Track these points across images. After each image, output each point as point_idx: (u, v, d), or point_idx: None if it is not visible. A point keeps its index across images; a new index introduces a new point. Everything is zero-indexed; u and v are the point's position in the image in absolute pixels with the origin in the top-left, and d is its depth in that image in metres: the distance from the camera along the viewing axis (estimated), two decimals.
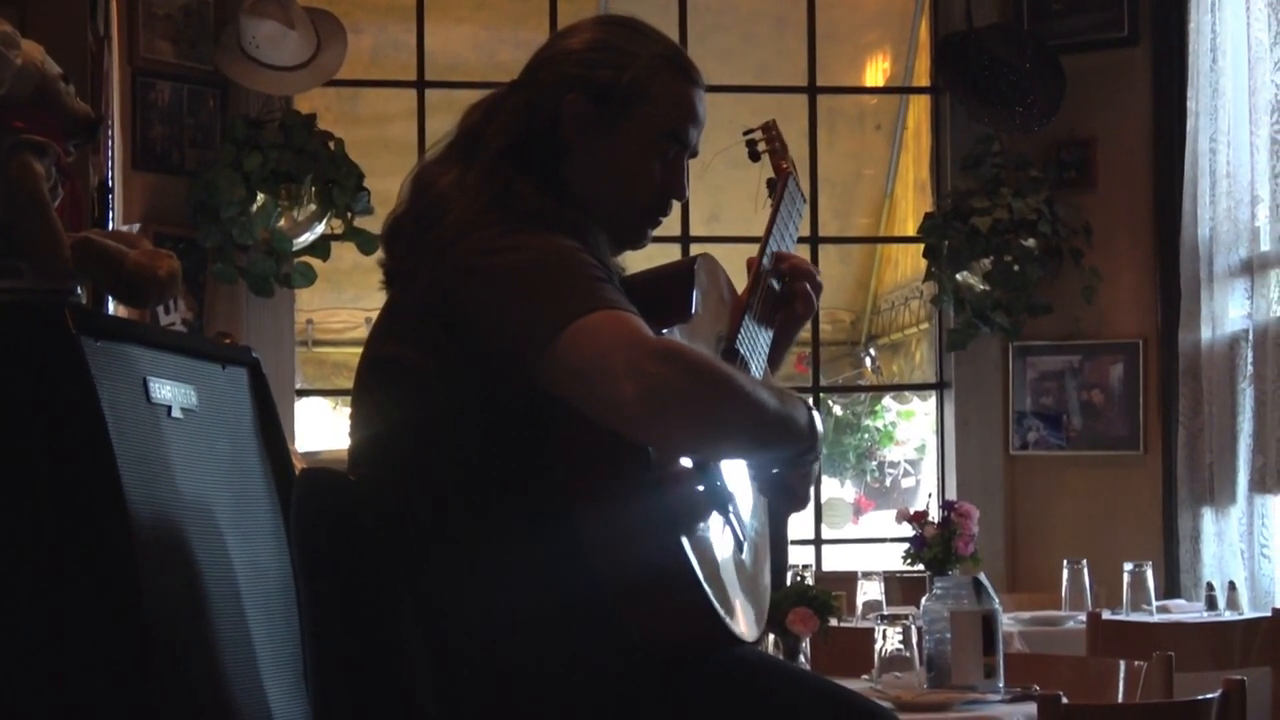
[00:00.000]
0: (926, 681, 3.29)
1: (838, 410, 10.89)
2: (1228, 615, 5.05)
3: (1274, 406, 5.71)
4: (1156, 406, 6.35)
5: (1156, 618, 4.97)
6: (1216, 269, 5.98)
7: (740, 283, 2.58)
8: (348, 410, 2.44)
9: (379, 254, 2.42)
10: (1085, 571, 5.22)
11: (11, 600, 2.41)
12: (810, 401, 2.32)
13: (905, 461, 11.25)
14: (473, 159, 2.36)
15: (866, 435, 11.31)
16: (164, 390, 2.63)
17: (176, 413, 2.66)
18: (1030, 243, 6.29)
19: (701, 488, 2.26)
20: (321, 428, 8.65)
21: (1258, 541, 5.82)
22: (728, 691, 2.25)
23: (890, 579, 5.27)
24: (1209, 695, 3.10)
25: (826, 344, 8.37)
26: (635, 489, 2.16)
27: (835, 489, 10.90)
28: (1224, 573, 5.79)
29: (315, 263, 6.13)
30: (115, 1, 5.55)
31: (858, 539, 9.27)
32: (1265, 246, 5.90)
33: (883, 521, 9.39)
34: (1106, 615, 4.81)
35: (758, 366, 2.49)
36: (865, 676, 3.42)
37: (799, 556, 6.65)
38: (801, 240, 6.50)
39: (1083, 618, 4.79)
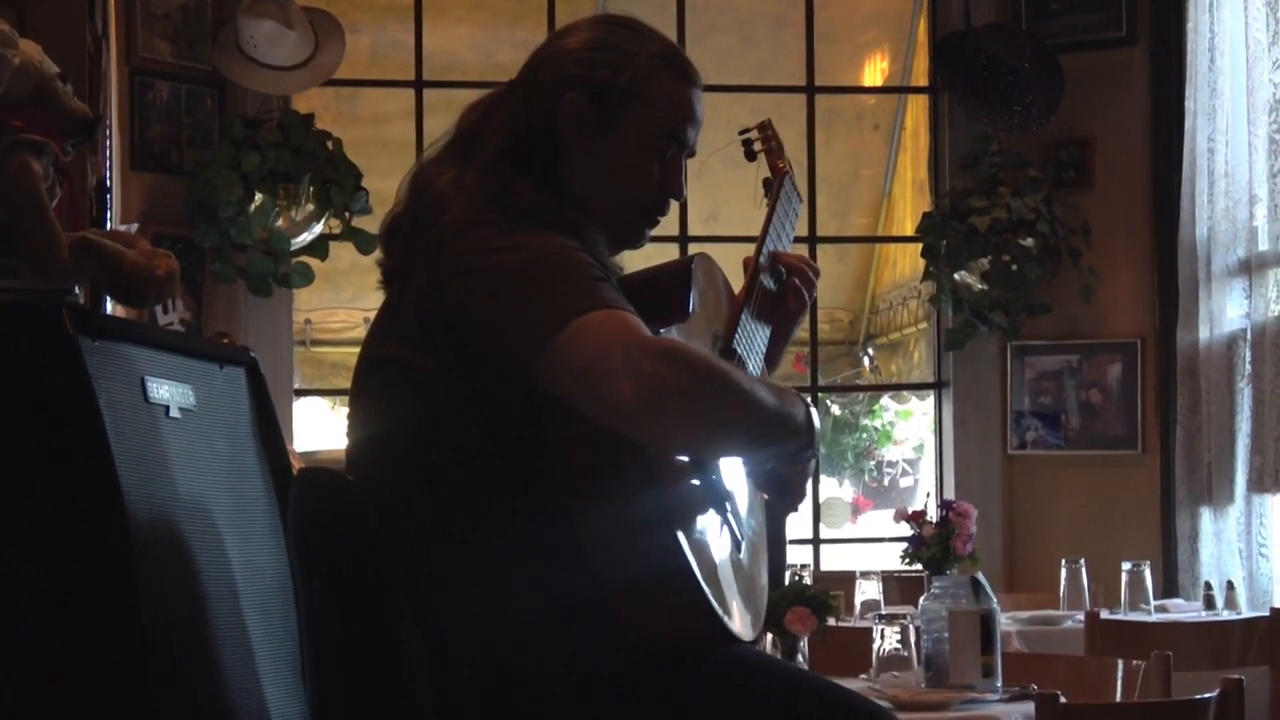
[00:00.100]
0: (924, 681, 3.29)
1: (836, 410, 10.89)
2: (1226, 615, 5.05)
3: (1272, 406, 5.71)
4: (1155, 406, 6.35)
5: (1154, 617, 4.97)
6: (1215, 268, 5.98)
7: (737, 282, 2.58)
8: (346, 410, 2.44)
9: (377, 254, 2.42)
10: (1083, 571, 5.22)
11: (10, 600, 2.41)
12: (808, 399, 2.32)
13: (903, 461, 11.25)
14: (471, 158, 2.36)
15: (865, 435, 11.31)
16: (162, 390, 2.63)
17: (174, 412, 2.66)
18: (1028, 242, 6.29)
19: (700, 487, 2.26)
20: (320, 427, 8.65)
21: (1256, 541, 5.82)
22: (726, 691, 2.25)
23: (888, 578, 5.28)
24: (1207, 694, 3.10)
25: (825, 343, 8.37)
26: (633, 488, 2.16)
27: (833, 488, 10.90)
28: (1222, 572, 5.79)
29: (313, 262, 6.12)
30: (113, 1, 5.55)
31: (856, 538, 9.27)
32: (1263, 246, 5.89)
33: (881, 521, 9.39)
34: (1104, 615, 4.81)
35: (755, 365, 2.50)
36: (863, 676, 3.42)
37: (797, 556, 6.65)
38: (799, 240, 6.51)
39: (1081, 617, 4.79)
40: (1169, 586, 6.05)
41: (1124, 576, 5.10)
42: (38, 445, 2.43)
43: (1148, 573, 5.10)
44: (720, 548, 2.27)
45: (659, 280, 2.43)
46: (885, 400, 10.95)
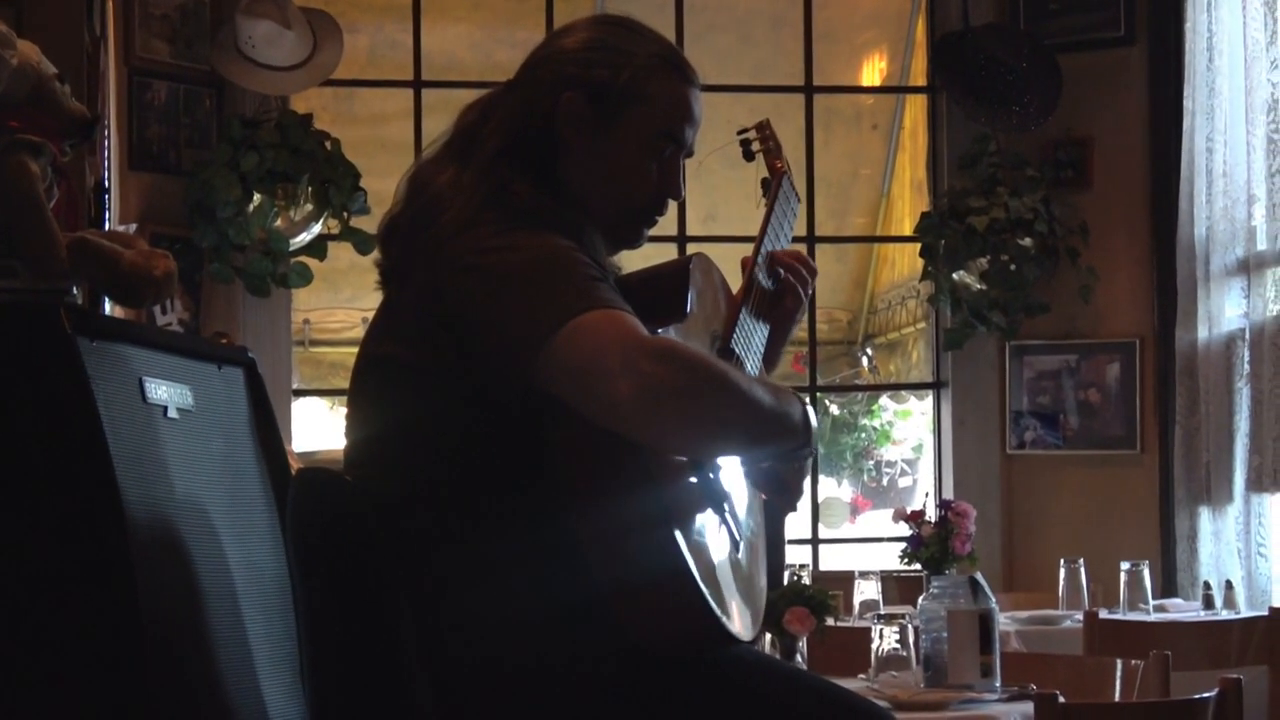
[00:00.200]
0: (923, 681, 3.29)
1: (835, 409, 10.89)
2: (1224, 614, 5.05)
3: (1270, 405, 5.71)
4: (1153, 406, 6.35)
5: (1153, 617, 4.97)
6: (1213, 268, 5.98)
7: (735, 282, 2.58)
8: (344, 410, 2.44)
9: (375, 254, 2.42)
10: (1082, 571, 5.22)
11: (9, 600, 2.41)
12: (807, 399, 2.32)
13: (902, 461, 11.25)
14: (469, 158, 2.36)
15: (863, 435, 11.31)
16: (160, 390, 2.63)
17: (173, 413, 2.65)
18: (1027, 242, 6.29)
19: (697, 486, 2.26)
20: (318, 427, 8.65)
21: (1254, 540, 5.82)
22: (725, 691, 2.25)
23: (887, 578, 5.28)
24: (1206, 694, 3.10)
25: (823, 343, 8.37)
26: (632, 488, 2.16)
27: (832, 488, 10.90)
28: (1221, 572, 5.79)
29: (312, 262, 6.12)
30: (111, 1, 5.55)
31: (854, 538, 9.27)
32: (1261, 246, 5.89)
33: (880, 521, 9.38)
34: (1103, 614, 4.81)
35: (753, 365, 2.50)
36: (862, 676, 3.41)
37: (796, 556, 6.65)
38: (798, 239, 6.50)
39: (1080, 617, 4.79)
40: (1168, 586, 6.05)
41: (1123, 576, 5.10)
42: (36, 446, 2.43)
43: (1146, 572, 5.10)
44: (719, 548, 2.27)
45: (657, 280, 2.43)
46: (884, 400, 10.95)
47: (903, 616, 3.45)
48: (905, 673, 3.33)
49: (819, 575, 5.67)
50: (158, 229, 5.80)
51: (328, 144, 6.03)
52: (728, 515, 2.32)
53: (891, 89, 8.51)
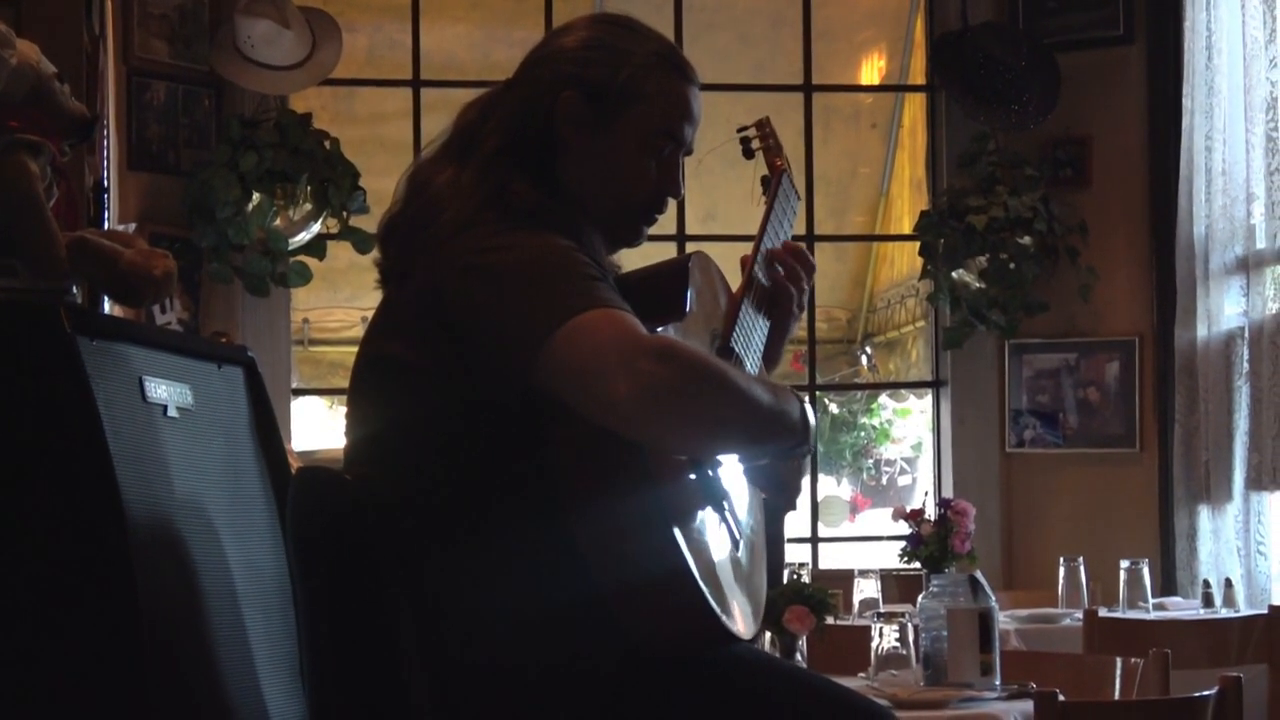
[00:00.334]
0: (923, 679, 3.29)
1: (834, 408, 10.90)
2: (1224, 613, 5.05)
3: (1270, 404, 5.72)
4: (1153, 404, 6.35)
5: (1153, 615, 4.97)
6: (1212, 267, 5.99)
7: (735, 281, 2.58)
8: (344, 409, 2.44)
9: (375, 253, 2.42)
10: (1081, 569, 5.22)
11: (8, 599, 2.41)
12: (805, 397, 2.32)
13: (901, 459, 11.25)
14: (468, 158, 2.36)
15: (863, 433, 11.32)
16: (160, 389, 2.63)
17: (172, 412, 2.66)
18: (1026, 241, 6.29)
19: (697, 485, 2.26)
20: (318, 427, 8.65)
21: (1254, 539, 5.83)
22: (725, 690, 2.25)
23: (887, 577, 5.27)
24: (1205, 692, 3.10)
25: (822, 342, 8.37)
26: (631, 487, 2.16)
27: (832, 487, 10.91)
28: (1220, 570, 5.79)
29: (311, 262, 6.12)
30: (110, 1, 5.55)
31: (854, 537, 9.27)
32: (1261, 244, 5.90)
33: (879, 519, 9.39)
34: (1103, 613, 4.81)
35: (753, 363, 2.50)
36: (862, 674, 3.41)
37: (795, 554, 6.65)
38: (797, 238, 6.49)
39: (1079, 615, 4.79)
40: (1167, 584, 6.05)
41: (1122, 575, 5.10)
42: (35, 445, 2.43)
43: (1146, 571, 5.10)
44: (718, 546, 2.27)
45: (656, 279, 2.43)
46: (883, 399, 10.96)
47: (902, 615, 3.45)
48: (905, 671, 3.33)
49: (818, 574, 5.67)
50: (157, 229, 5.80)
51: (327, 143, 6.03)
52: (727, 514, 2.32)
53: (890, 88, 8.51)
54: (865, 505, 10.75)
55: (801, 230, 6.74)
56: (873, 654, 3.38)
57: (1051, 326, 6.51)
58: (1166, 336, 6.21)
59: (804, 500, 2.61)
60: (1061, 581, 5.24)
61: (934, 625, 3.30)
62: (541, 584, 2.20)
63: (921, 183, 7.28)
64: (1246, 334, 5.87)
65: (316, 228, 6.03)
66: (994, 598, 3.34)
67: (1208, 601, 5.20)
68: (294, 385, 6.70)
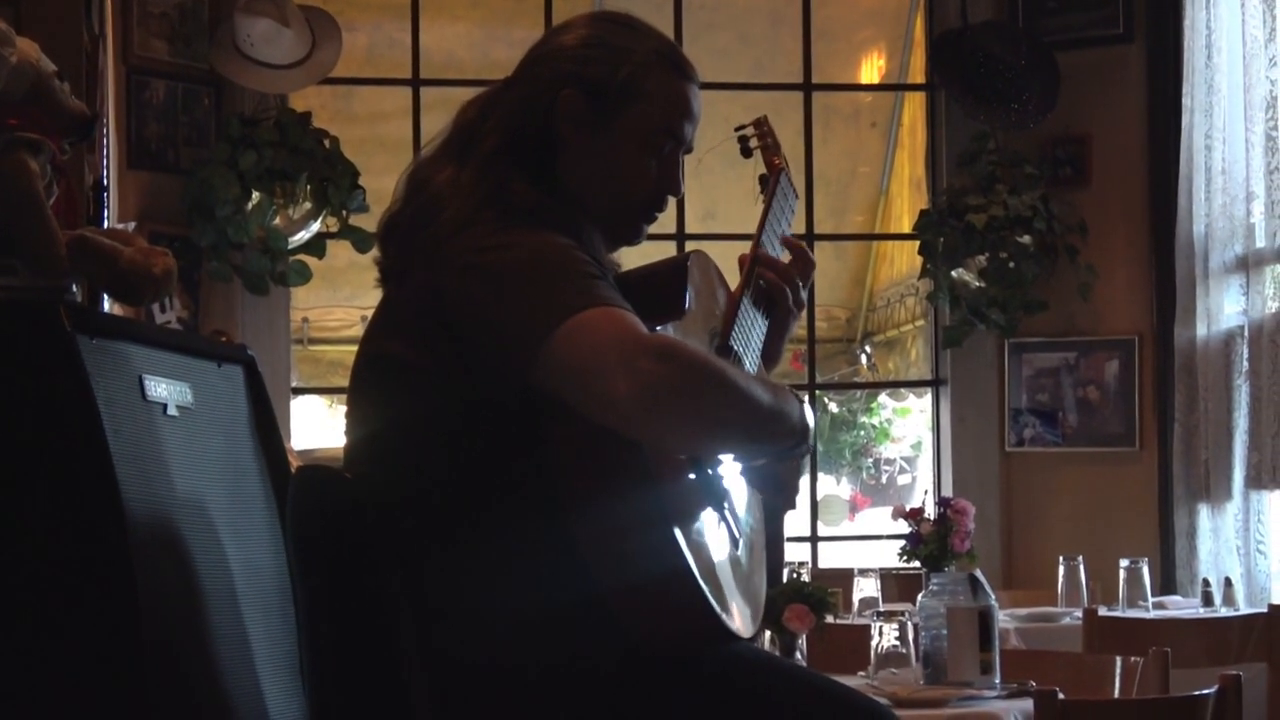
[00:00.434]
0: (923, 678, 3.30)
1: (833, 407, 10.91)
2: (1224, 611, 5.05)
3: (1269, 403, 5.72)
4: (1152, 403, 6.35)
5: (1153, 614, 4.97)
6: (1212, 265, 5.99)
7: (734, 280, 2.58)
8: (344, 408, 2.44)
9: (375, 252, 2.42)
10: (1081, 568, 5.22)
11: (7, 598, 2.41)
12: (805, 396, 2.32)
13: (901, 458, 11.26)
14: (468, 156, 2.36)
15: (862, 432, 11.33)
16: (159, 388, 2.63)
17: (172, 410, 2.65)
18: (1026, 239, 6.29)
19: (696, 484, 2.26)
20: (317, 426, 8.66)
21: (1254, 538, 5.83)
22: (726, 690, 2.25)
23: (886, 576, 5.27)
24: (1205, 691, 3.10)
25: (822, 341, 8.37)
26: (631, 486, 2.16)
27: (831, 486, 10.92)
28: (1220, 569, 5.80)
29: (310, 261, 6.12)
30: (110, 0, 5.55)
31: (854, 536, 9.28)
32: (1260, 243, 5.90)
33: (879, 518, 9.40)
34: (1103, 611, 4.81)
35: (751, 362, 2.50)
36: (861, 673, 3.42)
37: (795, 553, 6.65)
38: (796, 237, 6.50)
39: (1079, 614, 4.79)
40: (1167, 583, 6.05)
41: (1122, 573, 5.10)
42: (35, 443, 2.43)
43: (1145, 569, 5.10)
44: (718, 545, 2.27)
45: (655, 278, 2.43)
46: (883, 398, 10.96)
47: (902, 614, 3.45)
48: (905, 670, 3.33)
49: (818, 573, 5.67)
50: (156, 227, 5.80)
51: (326, 142, 6.04)
52: (727, 513, 2.32)
53: (890, 86, 8.51)
54: (865, 504, 10.76)
55: (801, 229, 6.73)
56: (872, 653, 3.38)
57: (1051, 325, 6.51)
58: (1166, 335, 6.21)
59: (803, 499, 2.61)
60: (1061, 580, 5.25)
61: (934, 624, 3.30)
62: (541, 583, 2.20)
63: (921, 182, 7.28)
64: (1246, 333, 5.87)
65: (316, 226, 6.04)
66: (993, 596, 3.34)
67: (1207, 600, 5.20)
68: (293, 384, 6.70)
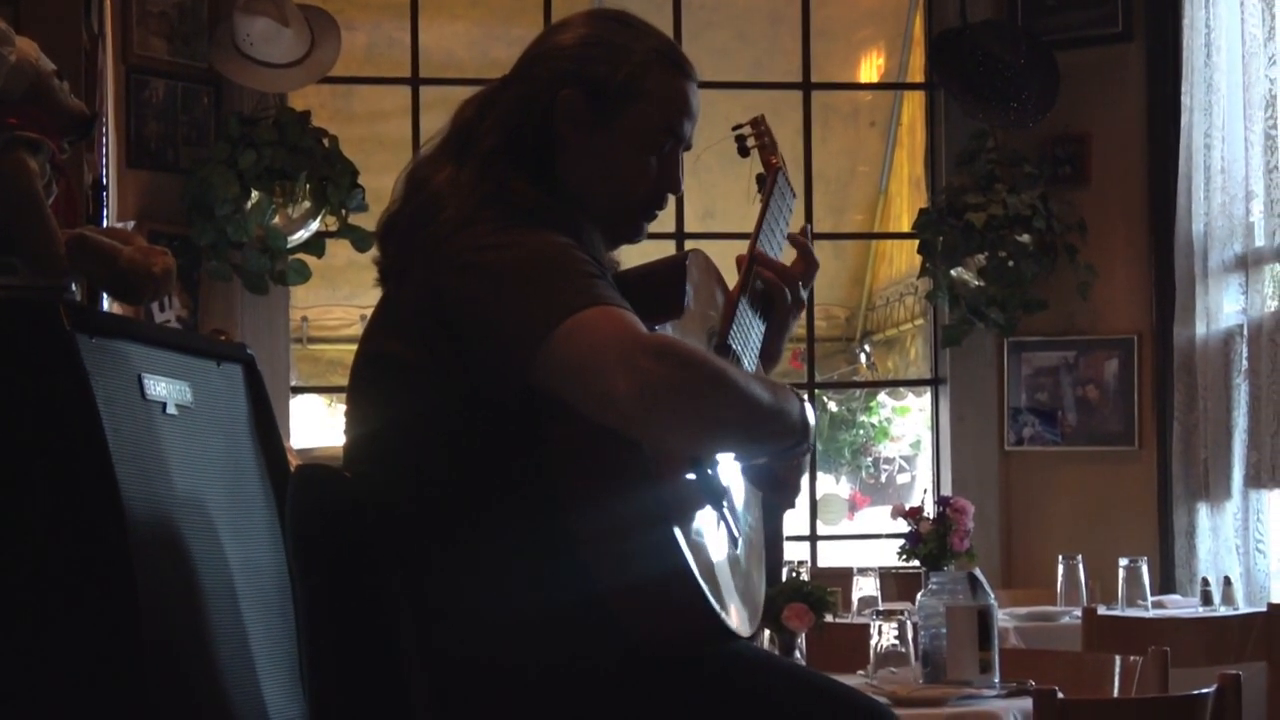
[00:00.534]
0: (922, 677, 3.30)
1: (833, 406, 10.90)
2: (1223, 610, 5.05)
3: (1269, 402, 5.72)
4: (1151, 402, 6.35)
5: (1152, 613, 4.97)
6: (1211, 264, 5.99)
7: (732, 280, 2.58)
8: (343, 407, 2.44)
9: (374, 251, 2.41)
10: (1080, 567, 5.22)
11: (7, 598, 2.41)
12: (805, 395, 2.32)
13: (900, 457, 11.26)
14: (466, 156, 2.35)
15: (861, 431, 11.32)
16: (159, 387, 2.63)
17: (171, 409, 2.66)
18: (1025, 238, 6.29)
19: (696, 484, 2.26)
20: (317, 425, 8.66)
21: (1253, 537, 5.83)
22: (725, 689, 2.25)
23: (885, 575, 5.27)
24: (1204, 690, 3.10)
25: (821, 340, 8.36)
26: (630, 485, 2.16)
27: (830, 485, 10.92)
28: (1219, 568, 5.80)
29: (310, 260, 6.12)
30: None
31: (853, 535, 9.28)
32: (1260, 242, 5.90)
33: (878, 517, 9.40)
34: (1102, 610, 4.81)
35: (750, 361, 2.50)
36: (861, 672, 3.42)
37: (794, 552, 6.65)
38: (790, 240, 6.50)
39: (1078, 613, 4.79)
40: (1166, 582, 6.05)
41: (1121, 572, 5.10)
42: (35, 443, 2.43)
43: (1145, 568, 5.10)
44: (717, 545, 2.27)
45: (654, 277, 2.43)
46: (882, 397, 10.96)
47: (901, 613, 3.45)
48: (904, 669, 3.33)
49: (817, 572, 5.66)
50: (156, 226, 5.80)
51: (325, 141, 6.03)
52: (726, 512, 2.32)
53: (889, 85, 8.51)
54: (864, 503, 10.76)
55: (798, 228, 6.72)
56: (872, 652, 3.38)
57: (1050, 324, 6.51)
58: (1165, 334, 6.21)
59: (803, 498, 2.60)
60: (1060, 579, 5.25)
61: (933, 623, 3.30)
62: (541, 582, 2.20)
63: (920, 180, 7.27)
64: (1245, 332, 5.87)
65: (315, 225, 6.03)
66: (993, 595, 3.34)
67: (1206, 599, 5.20)
68: (293, 383, 6.70)
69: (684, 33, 6.61)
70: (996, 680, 3.26)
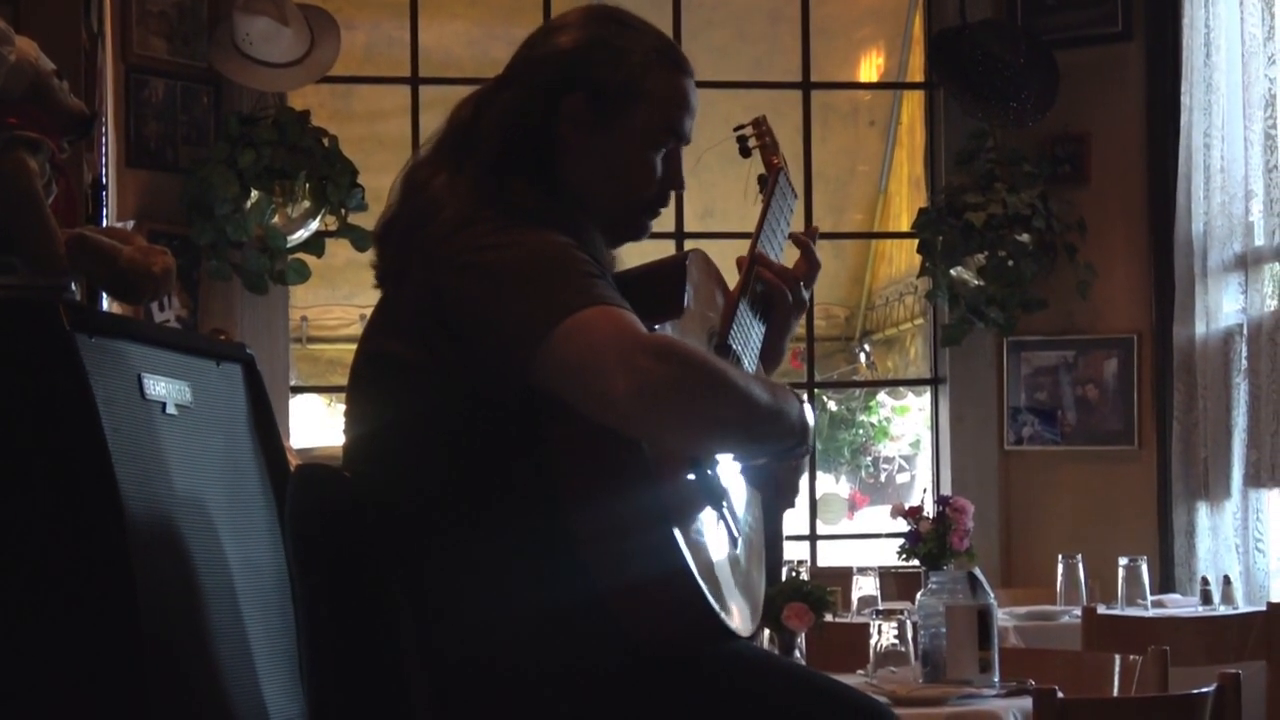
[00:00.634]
0: (922, 676, 3.30)
1: (832, 406, 10.90)
2: (1222, 609, 5.05)
3: (1268, 401, 5.72)
4: (1151, 401, 6.35)
5: (1151, 612, 4.97)
6: (1210, 264, 5.99)
7: (732, 280, 2.58)
8: (343, 407, 2.44)
9: (371, 254, 2.41)
10: (1080, 566, 5.22)
11: (7, 597, 2.41)
12: (804, 395, 2.32)
13: (900, 457, 11.26)
14: (464, 160, 2.34)
15: (861, 431, 11.32)
16: (159, 387, 2.63)
17: (171, 409, 2.66)
18: (1024, 238, 6.29)
19: (696, 484, 2.26)
20: (316, 424, 8.65)
21: (1252, 536, 5.83)
22: (725, 689, 2.25)
23: (885, 574, 5.27)
24: (1204, 689, 3.10)
25: (821, 339, 8.36)
26: (630, 485, 2.16)
27: (830, 484, 10.92)
28: (1219, 567, 5.80)
29: (309, 259, 6.12)
30: None
31: (853, 534, 9.28)
32: (1259, 241, 5.90)
33: (878, 517, 9.39)
34: (1101, 610, 4.81)
35: (750, 361, 2.50)
36: (861, 671, 3.42)
37: (794, 552, 6.65)
38: (793, 239, 6.49)
39: (1078, 612, 4.79)
40: (1166, 582, 6.05)
41: (1121, 572, 5.10)
42: (34, 442, 2.43)
43: (1144, 568, 5.10)
44: (717, 544, 2.27)
45: (654, 276, 2.43)
46: (882, 396, 10.96)
47: (901, 612, 3.45)
48: (904, 668, 3.33)
49: (817, 571, 5.67)
50: (155, 226, 5.79)
51: (325, 141, 6.03)
52: (726, 512, 2.32)
53: (889, 85, 8.50)
54: (864, 502, 10.76)
55: (800, 228, 6.71)
56: (871, 651, 3.39)
57: (1050, 324, 6.51)
58: (1165, 333, 6.21)
59: (802, 498, 2.60)
60: (1060, 578, 5.25)
61: (932, 622, 3.30)
62: (540, 582, 2.20)
63: (920, 180, 7.27)
64: (1245, 331, 5.87)
65: (315, 225, 6.03)
66: (992, 595, 3.34)
67: (1206, 598, 5.20)
68: (292, 383, 6.70)
69: (684, 32, 6.61)
70: (996, 679, 3.26)
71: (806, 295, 2.63)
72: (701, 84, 2.46)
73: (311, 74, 6.07)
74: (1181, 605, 5.30)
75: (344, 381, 2.43)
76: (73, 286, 2.70)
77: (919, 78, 7.22)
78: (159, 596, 2.46)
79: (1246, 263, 5.90)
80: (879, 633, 3.38)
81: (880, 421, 11.26)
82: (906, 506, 5.14)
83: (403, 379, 2.27)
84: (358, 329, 6.93)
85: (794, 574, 4.15)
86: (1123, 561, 5.12)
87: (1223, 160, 5.95)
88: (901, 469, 11.25)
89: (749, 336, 2.51)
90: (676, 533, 2.15)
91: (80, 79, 4.36)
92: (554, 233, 2.25)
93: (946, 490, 6.36)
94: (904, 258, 8.59)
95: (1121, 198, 6.45)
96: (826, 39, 7.60)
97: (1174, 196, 6.11)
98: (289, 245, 6.03)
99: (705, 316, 2.46)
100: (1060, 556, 5.29)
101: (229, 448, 2.86)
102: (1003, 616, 4.67)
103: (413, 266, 2.28)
